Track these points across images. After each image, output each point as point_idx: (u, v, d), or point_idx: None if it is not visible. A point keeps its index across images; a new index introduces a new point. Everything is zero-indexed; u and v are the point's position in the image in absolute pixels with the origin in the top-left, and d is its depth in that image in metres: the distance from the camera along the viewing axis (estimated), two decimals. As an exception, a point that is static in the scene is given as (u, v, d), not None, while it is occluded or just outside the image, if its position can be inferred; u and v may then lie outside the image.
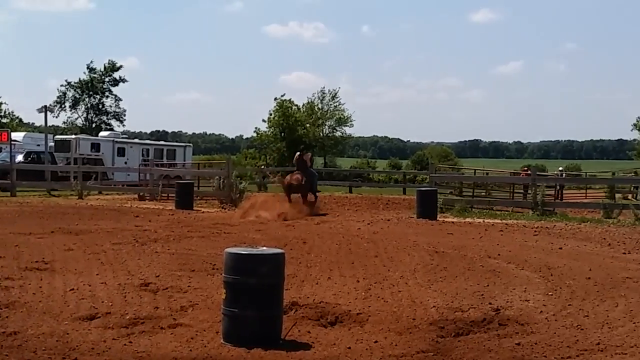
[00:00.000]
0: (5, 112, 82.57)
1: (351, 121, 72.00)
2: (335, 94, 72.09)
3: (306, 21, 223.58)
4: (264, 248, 8.11)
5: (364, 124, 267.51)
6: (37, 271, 11.01)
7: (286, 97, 70.71)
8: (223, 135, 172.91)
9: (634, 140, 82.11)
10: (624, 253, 14.27)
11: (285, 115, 69.07)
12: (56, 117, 77.35)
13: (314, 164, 40.18)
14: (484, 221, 21.55)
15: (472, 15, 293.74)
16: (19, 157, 38.29)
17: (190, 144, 57.27)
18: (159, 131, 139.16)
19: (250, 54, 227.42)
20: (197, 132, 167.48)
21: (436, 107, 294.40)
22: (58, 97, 78.36)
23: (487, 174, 40.40)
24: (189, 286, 10.14)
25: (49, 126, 42.21)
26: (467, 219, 22.29)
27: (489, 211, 25.36)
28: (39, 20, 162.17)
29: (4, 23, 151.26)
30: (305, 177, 24.45)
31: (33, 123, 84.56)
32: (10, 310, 8.46)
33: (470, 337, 7.70)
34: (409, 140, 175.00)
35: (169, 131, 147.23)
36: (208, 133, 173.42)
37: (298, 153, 27.15)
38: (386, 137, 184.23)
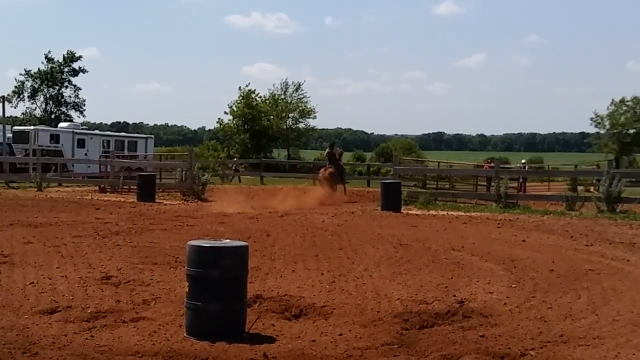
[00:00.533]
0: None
1: (315, 113, 72.10)
2: (299, 85, 72.09)
3: (269, 12, 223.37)
4: (227, 240, 8.03)
5: (327, 116, 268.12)
6: (-4, 264, 10.81)
7: (253, 89, 70.55)
8: (185, 126, 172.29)
9: (596, 132, 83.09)
10: (587, 245, 14.37)
11: (249, 106, 68.86)
12: (14, 108, 76.21)
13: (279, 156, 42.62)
14: (447, 213, 21.63)
15: (436, 8, 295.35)
16: (-24, 149, 37.69)
17: (152, 136, 56.85)
18: (119, 122, 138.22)
19: (212, 45, 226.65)
20: (158, 123, 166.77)
21: (400, 99, 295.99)
22: (16, 87, 77.15)
23: (450, 166, 40.62)
24: (151, 279, 10.03)
25: (7, 117, 41.52)
26: (431, 212, 22.36)
27: (452, 203, 25.46)
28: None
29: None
30: (337, 169, 27.90)
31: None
32: (-32, 304, 8.30)
33: (435, 329, 7.69)
34: (372, 133, 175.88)
35: (130, 122, 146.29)
36: (170, 124, 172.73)
37: (329, 148, 29.67)
38: (350, 129, 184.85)
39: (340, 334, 7.44)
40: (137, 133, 72.26)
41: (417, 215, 21.13)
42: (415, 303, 8.85)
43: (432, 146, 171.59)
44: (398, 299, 9.11)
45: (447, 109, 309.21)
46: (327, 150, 29.54)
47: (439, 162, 41.62)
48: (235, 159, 51.70)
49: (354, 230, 16.12)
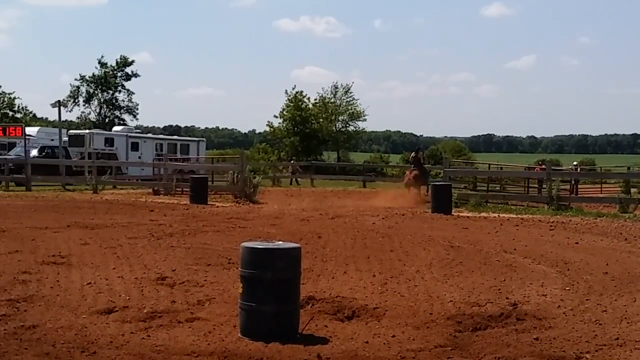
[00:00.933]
0: (19, 107, 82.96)
1: (364, 116, 71.98)
2: (349, 88, 72.07)
3: (318, 15, 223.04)
4: (280, 242, 8.11)
5: (376, 119, 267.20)
6: (54, 265, 11.05)
7: (300, 91, 70.72)
8: (236, 129, 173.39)
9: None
10: (641, 248, 14.17)
11: (298, 109, 69.08)
12: (70, 112, 77.73)
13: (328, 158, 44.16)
14: (499, 216, 21.48)
15: (485, 9, 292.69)
16: (34, 152, 38.40)
17: (204, 139, 57.43)
18: (171, 126, 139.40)
19: (262, 49, 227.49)
20: (209, 126, 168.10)
21: (449, 101, 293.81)
22: (71, 92, 78.60)
23: (501, 168, 40.27)
24: (205, 280, 10.15)
25: (63, 121, 42.30)
26: (482, 214, 22.22)
27: (504, 206, 25.24)
28: (52, 15, 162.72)
29: (17, 18, 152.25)
30: (421, 172, 29.56)
31: (47, 118, 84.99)
32: (29, 303, 8.50)
33: (488, 331, 7.67)
34: (421, 135, 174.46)
35: (182, 126, 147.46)
36: (221, 127, 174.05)
37: (414, 152, 31.44)
38: (399, 131, 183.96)
39: (393, 336, 7.46)
40: (189, 136, 72.98)
41: (468, 217, 21.02)
42: (468, 305, 8.82)
43: (482, 148, 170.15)
44: (450, 301, 9.09)
45: (497, 110, 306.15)
46: (412, 154, 31.57)
47: (489, 164, 41.29)
48: (292, 161, 51.85)
49: (404, 232, 16.11)
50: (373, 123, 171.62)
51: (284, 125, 70.00)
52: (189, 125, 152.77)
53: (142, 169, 40.73)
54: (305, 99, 70.61)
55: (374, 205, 25.13)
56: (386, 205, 24.91)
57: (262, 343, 7.04)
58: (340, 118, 72.09)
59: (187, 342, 7.13)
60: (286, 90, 70.41)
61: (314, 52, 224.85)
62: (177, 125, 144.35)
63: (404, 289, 9.82)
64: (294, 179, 46.10)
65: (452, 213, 21.90)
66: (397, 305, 8.84)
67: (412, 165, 30.67)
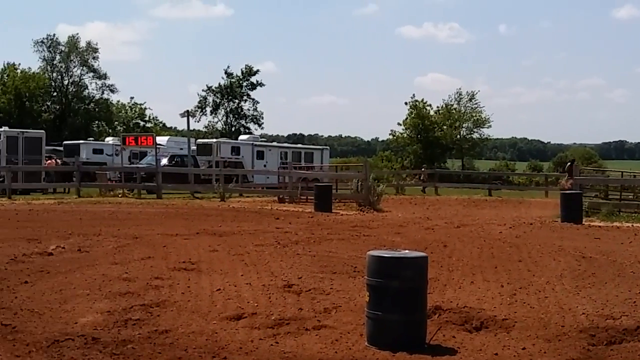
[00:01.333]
0: (149, 117, 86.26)
1: (489, 122, 70.91)
2: (473, 95, 71.19)
3: (441, 22, 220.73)
4: (407, 251, 8.05)
5: (501, 125, 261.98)
6: (185, 271, 11.35)
7: (421, 99, 70.45)
8: (359, 137, 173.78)
9: None
10: None
11: (420, 117, 68.75)
12: (197, 122, 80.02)
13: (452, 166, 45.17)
14: (632, 225, 20.70)
15: (615, 12, 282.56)
16: (164, 161, 39.61)
17: (328, 147, 57.84)
18: (295, 134, 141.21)
19: (385, 56, 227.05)
20: (332, 134, 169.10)
21: (578, 107, 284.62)
22: (199, 102, 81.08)
23: (634, 176, 38.75)
24: (331, 288, 10.19)
25: (191, 130, 43.53)
26: (615, 223, 21.47)
27: (638, 215, 24.29)
28: (181, 27, 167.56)
29: (147, 31, 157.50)
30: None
31: (175, 127, 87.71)
32: (161, 309, 8.76)
33: (624, 345, 7.38)
34: (549, 142, 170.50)
35: (305, 134, 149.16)
36: (344, 135, 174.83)
37: (569, 163, 35.28)
38: (525, 138, 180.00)
39: (524, 348, 7.27)
40: (313, 144, 73.75)
41: (599, 227, 20.35)
42: (601, 318, 8.50)
43: (614, 155, 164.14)
44: (583, 313, 8.78)
45: (630, 116, 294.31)
46: (568, 164, 35.49)
47: (622, 172, 39.82)
48: (423, 169, 51.49)
49: (533, 242, 15.74)
50: (498, 130, 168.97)
51: (407, 133, 69.79)
52: (312, 134, 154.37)
53: (268, 177, 41.37)
54: (427, 107, 70.24)
55: (533, 215, 24.46)
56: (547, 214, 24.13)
57: (389, 352, 7.00)
58: (464, 125, 71.28)
59: (315, 349, 7.17)
60: (406, 102, 70.28)
61: (437, 59, 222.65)
62: (300, 134, 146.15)
63: (533, 300, 9.57)
64: (423, 187, 45.70)
65: (583, 222, 21.23)
66: (526, 316, 8.62)
67: (567, 175, 32.32)
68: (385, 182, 37.05)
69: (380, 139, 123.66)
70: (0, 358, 6.66)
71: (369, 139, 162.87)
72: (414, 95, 74.48)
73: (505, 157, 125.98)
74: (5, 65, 73.75)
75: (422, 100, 70.41)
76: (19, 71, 73.45)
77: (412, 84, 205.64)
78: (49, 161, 39.92)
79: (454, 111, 70.80)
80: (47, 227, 17.34)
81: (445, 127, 70.17)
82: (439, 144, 69.65)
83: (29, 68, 74.83)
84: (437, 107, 71.08)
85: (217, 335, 7.62)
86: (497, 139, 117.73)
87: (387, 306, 7.21)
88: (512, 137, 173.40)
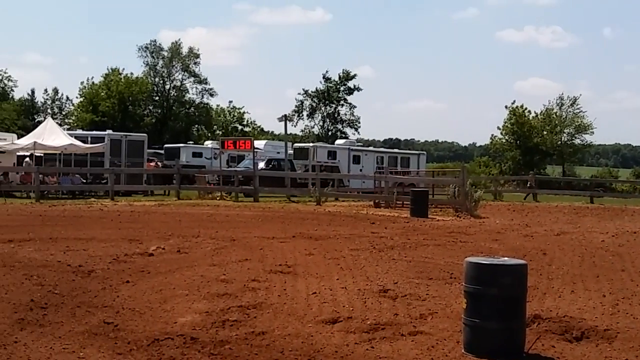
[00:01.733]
0: (247, 121, 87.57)
1: (592, 128, 69.15)
2: (575, 100, 69.55)
3: (543, 25, 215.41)
4: (505, 258, 7.91)
5: (605, 131, 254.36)
6: (281, 274, 11.44)
7: (521, 104, 69.31)
8: (455, 142, 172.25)
9: None
10: None
11: (519, 123, 67.60)
12: (294, 126, 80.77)
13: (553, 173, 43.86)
14: None
15: None
16: (261, 164, 40.09)
17: (424, 152, 57.45)
18: (391, 139, 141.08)
19: (484, 60, 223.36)
20: (429, 139, 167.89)
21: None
22: (296, 107, 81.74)
23: None
24: (427, 294, 10.10)
25: (288, 134, 43.92)
26: None
27: None
28: (279, 32, 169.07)
29: (246, 36, 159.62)
30: None
31: (272, 131, 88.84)
32: (258, 310, 8.84)
33: None
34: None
35: (402, 139, 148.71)
36: (440, 141, 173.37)
37: None
38: (629, 144, 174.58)
39: (626, 360, 7.05)
40: (409, 149, 73.42)
41: None
42: None
43: None
44: (690, 326, 8.46)
45: None
46: None
47: None
48: (530, 174, 50.28)
49: (637, 251, 15.27)
50: (601, 136, 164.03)
51: (506, 138, 68.75)
52: (408, 138, 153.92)
53: (363, 182, 41.35)
54: (526, 112, 69.02)
55: (637, 223, 23.75)
56: None
57: (486, 360, 6.90)
58: (565, 131, 69.72)
59: (411, 355, 7.11)
60: (506, 106, 69.23)
61: (538, 63, 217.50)
62: (397, 138, 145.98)
63: (637, 311, 9.26)
64: (529, 194, 44.67)
65: (690, 232, 20.44)
66: (629, 327, 8.34)
67: None
68: (482, 188, 36.54)
69: (477, 144, 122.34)
70: (102, 355, 6.85)
71: (466, 144, 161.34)
72: (514, 101, 73.08)
73: (608, 163, 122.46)
74: (110, 70, 76.11)
75: (522, 106, 69.27)
76: (122, 76, 75.67)
77: (512, 88, 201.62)
78: (151, 164, 40.97)
79: (554, 116, 69.36)
80: (148, 229, 17.78)
81: (544, 132, 68.81)
82: (539, 150, 68.34)
83: (131, 73, 77.12)
84: (536, 112, 69.81)
85: (313, 338, 7.65)
86: (600, 145, 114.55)
87: (485, 313, 7.10)
88: (616, 144, 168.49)
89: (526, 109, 69.46)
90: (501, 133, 69.36)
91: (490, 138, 70.71)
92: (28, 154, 34.34)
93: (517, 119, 67.90)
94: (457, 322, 7.85)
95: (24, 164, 34.07)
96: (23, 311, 8.44)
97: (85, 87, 75.49)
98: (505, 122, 68.66)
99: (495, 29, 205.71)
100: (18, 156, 35.81)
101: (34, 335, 7.47)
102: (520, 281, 7.32)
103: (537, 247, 15.57)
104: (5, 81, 71.39)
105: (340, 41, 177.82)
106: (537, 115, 69.56)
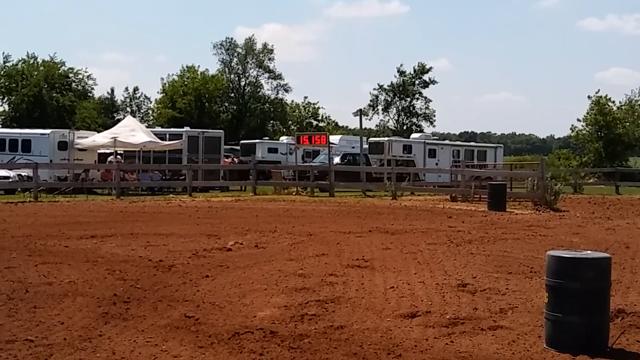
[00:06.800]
0: (322, 116, 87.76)
1: (680, 119, 66.90)
2: (660, 89, 67.41)
3: (627, 12, 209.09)
4: (588, 252, 7.75)
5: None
6: (358, 268, 11.43)
7: (605, 94, 67.54)
8: (533, 135, 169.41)
9: None
10: None
11: (602, 113, 66.00)
12: (369, 120, 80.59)
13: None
14: None
15: None
16: (336, 159, 40.15)
17: (501, 145, 56.66)
18: (467, 132, 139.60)
19: (564, 50, 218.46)
20: (505, 132, 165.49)
21: None
22: (371, 101, 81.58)
23: None
24: (507, 288, 9.97)
25: (363, 129, 43.83)
26: None
27: None
28: (353, 26, 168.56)
29: (321, 31, 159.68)
30: None
31: (347, 126, 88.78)
32: (336, 305, 8.86)
33: None
34: None
35: (478, 132, 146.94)
36: (517, 133, 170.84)
37: None
38: None
39: None
40: (485, 142, 72.50)
41: None
42: None
43: None
44: None
45: None
46: None
47: None
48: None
49: None
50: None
51: (587, 130, 67.23)
52: (484, 132, 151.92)
53: (439, 176, 41.05)
54: (609, 103, 67.36)
55: None
56: None
57: (569, 355, 6.79)
58: (649, 121, 67.73)
59: (491, 350, 7.04)
60: (589, 96, 67.64)
61: (621, 52, 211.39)
62: (472, 132, 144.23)
63: None
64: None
65: None
66: None
67: None
68: (562, 181, 35.84)
69: (556, 137, 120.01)
70: (184, 348, 6.96)
71: (544, 137, 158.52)
72: (598, 90, 71.30)
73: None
74: (186, 68, 77.21)
75: (606, 96, 67.58)
76: (198, 73, 76.68)
77: (593, 79, 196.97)
78: (227, 160, 41.40)
79: (638, 107, 67.48)
80: (226, 224, 18.00)
81: (627, 123, 67.03)
82: (622, 141, 66.61)
83: (207, 70, 78.05)
84: (620, 102, 68.01)
85: (392, 332, 7.63)
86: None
87: (567, 308, 6.98)
88: None
89: (610, 98, 67.74)
90: (583, 124, 67.82)
91: (571, 129, 69.20)
92: (109, 151, 35.10)
93: (600, 109, 66.24)
94: (538, 317, 7.75)
95: (107, 162, 34.81)
96: (107, 305, 8.64)
97: (165, 83, 76.80)
98: (587, 113, 67.08)
99: (576, 18, 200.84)
100: (99, 154, 36.68)
101: (118, 329, 7.64)
102: (604, 275, 7.17)
103: (619, 241, 15.22)
104: (86, 80, 72.92)
105: (417, 34, 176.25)
106: (621, 106, 67.77)
